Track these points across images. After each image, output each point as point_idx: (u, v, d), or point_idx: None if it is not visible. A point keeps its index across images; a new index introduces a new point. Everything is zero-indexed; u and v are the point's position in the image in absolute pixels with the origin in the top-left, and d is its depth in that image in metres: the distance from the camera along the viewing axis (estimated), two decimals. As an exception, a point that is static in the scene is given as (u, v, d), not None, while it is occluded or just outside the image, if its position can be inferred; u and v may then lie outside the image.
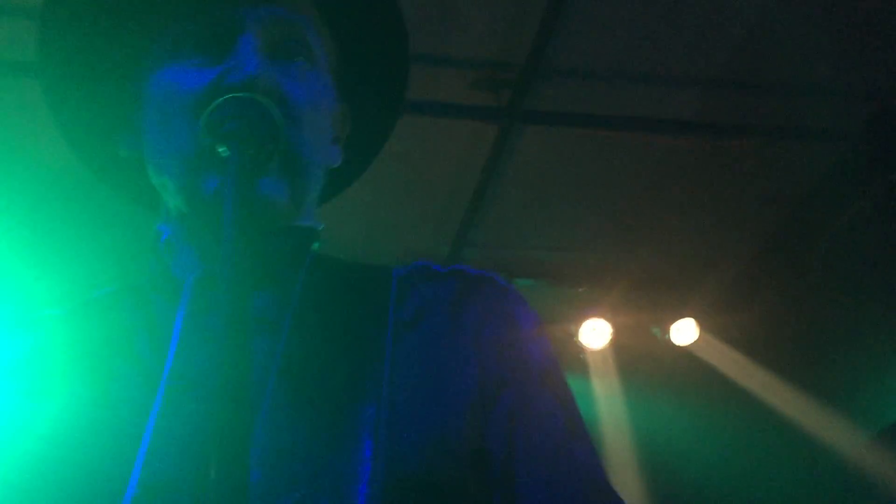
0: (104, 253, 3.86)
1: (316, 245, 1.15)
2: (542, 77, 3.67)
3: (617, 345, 5.02)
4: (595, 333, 5.02)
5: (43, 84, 1.17)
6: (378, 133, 1.31)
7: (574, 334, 5.04)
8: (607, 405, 5.04)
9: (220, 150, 0.94)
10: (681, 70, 3.89)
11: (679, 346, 5.05)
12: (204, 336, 0.99)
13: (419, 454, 0.94)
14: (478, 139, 3.97)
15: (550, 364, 1.11)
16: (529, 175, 4.28)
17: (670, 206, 4.49)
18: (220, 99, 0.97)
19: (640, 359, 5.09)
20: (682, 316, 4.99)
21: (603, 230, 4.69)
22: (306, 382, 0.97)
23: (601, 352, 5.01)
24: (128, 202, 1.30)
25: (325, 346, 1.02)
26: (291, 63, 1.09)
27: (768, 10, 3.57)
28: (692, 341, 5.03)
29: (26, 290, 3.92)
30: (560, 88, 3.86)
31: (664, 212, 4.47)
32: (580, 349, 5.06)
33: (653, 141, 4.15)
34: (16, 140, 3.71)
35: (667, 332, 5.02)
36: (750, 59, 3.80)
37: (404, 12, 1.22)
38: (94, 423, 0.96)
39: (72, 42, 1.15)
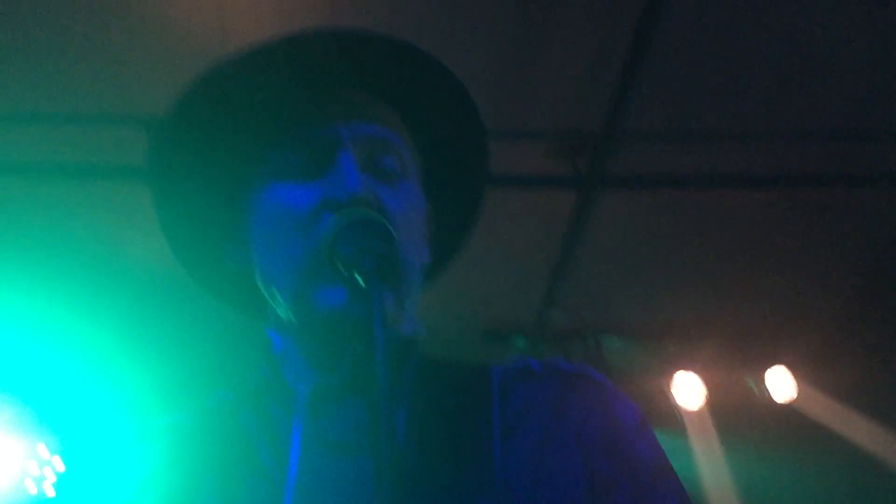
0: (209, 354, 3.99)
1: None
2: (619, 141, 3.70)
3: (710, 398, 4.94)
4: (687, 388, 4.96)
5: (153, 197, 1.22)
6: (462, 229, 1.36)
7: (665, 389, 4.98)
8: (705, 461, 4.94)
9: (339, 266, 1.00)
10: (759, 125, 3.88)
11: (775, 399, 4.93)
12: (324, 448, 1.04)
13: None
14: (559, 206, 4.02)
15: (659, 459, 1.11)
16: (612, 237, 4.31)
17: (759, 259, 4.44)
18: (344, 219, 1.03)
19: (735, 412, 4.98)
20: (777, 368, 4.88)
21: (690, 286, 4.66)
22: (422, 488, 1.00)
23: (694, 406, 4.93)
24: (233, 310, 1.36)
25: (436, 451, 1.04)
26: (386, 176, 1.15)
27: (849, 59, 3.56)
28: (789, 393, 4.91)
29: (137, 394, 4.05)
30: (637, 151, 3.89)
31: (753, 264, 4.43)
32: (672, 404, 4.99)
33: (736, 196, 4.12)
34: (120, 243, 3.92)
35: (762, 384, 4.92)
36: (834, 107, 3.78)
37: (480, 97, 1.26)
38: None
39: (183, 157, 1.21)
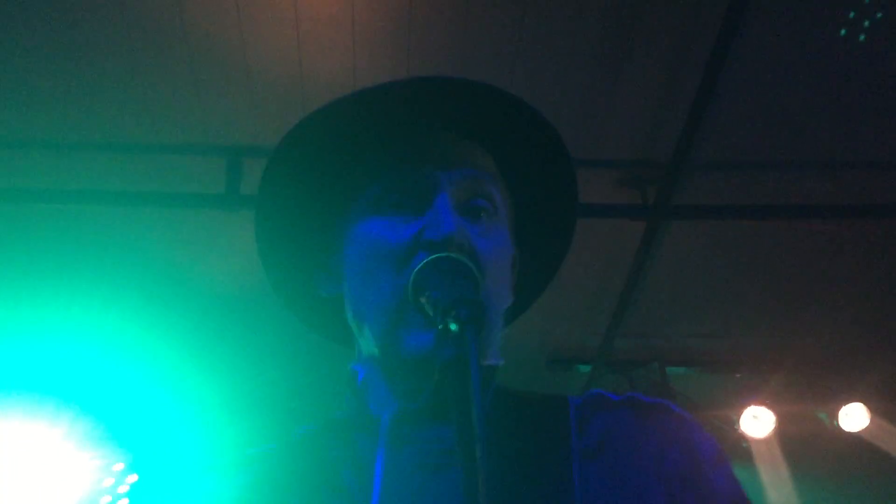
0: (284, 378, 4.08)
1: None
2: (688, 171, 3.71)
3: (781, 432, 4.85)
4: (757, 421, 4.88)
5: (256, 221, 1.28)
6: (546, 275, 1.39)
7: (734, 422, 4.91)
8: (777, 495, 4.85)
9: (428, 309, 1.02)
10: (826, 156, 3.85)
11: (849, 432, 4.82)
12: (407, 469, 1.08)
13: None
14: (627, 235, 4.04)
15: (737, 493, 1.12)
16: (679, 266, 4.30)
17: (830, 290, 4.37)
18: (432, 257, 1.06)
19: (807, 446, 4.89)
20: (851, 401, 4.78)
21: (758, 317, 4.60)
22: None
23: (765, 440, 4.85)
24: (321, 336, 1.39)
25: (515, 478, 1.06)
26: (479, 218, 1.17)
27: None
28: (863, 427, 4.80)
29: (223, 428, 4.15)
30: (706, 182, 3.89)
31: (824, 295, 4.36)
32: (741, 437, 4.92)
33: (806, 227, 4.08)
34: (199, 268, 4.05)
35: (835, 417, 4.82)
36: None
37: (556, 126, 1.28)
38: None
39: (287, 191, 1.27)
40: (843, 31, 3.31)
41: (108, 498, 4.75)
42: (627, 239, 4.07)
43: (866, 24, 3.30)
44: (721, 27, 3.11)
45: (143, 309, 4.22)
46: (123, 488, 4.73)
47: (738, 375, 4.96)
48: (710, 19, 3.17)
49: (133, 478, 4.75)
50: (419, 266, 1.07)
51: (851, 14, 3.28)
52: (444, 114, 1.23)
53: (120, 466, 4.77)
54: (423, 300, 1.04)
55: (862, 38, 3.33)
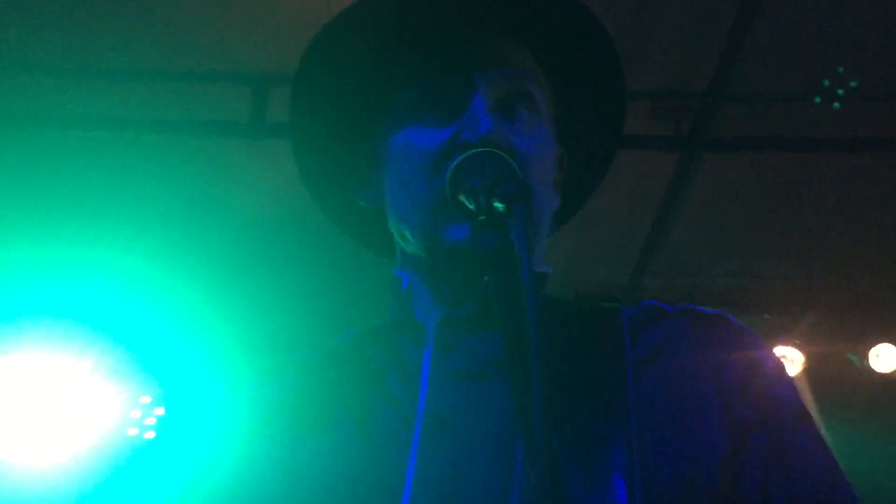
0: (337, 295, 4.08)
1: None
2: (724, 103, 3.63)
3: (811, 373, 4.81)
4: (785, 362, 4.84)
5: (292, 141, 1.28)
6: (594, 174, 1.35)
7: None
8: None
9: (466, 201, 1.00)
10: (871, 86, 3.73)
11: (880, 373, 4.77)
12: (453, 376, 1.06)
13: (674, 499, 0.96)
14: (658, 169, 3.96)
15: (799, 405, 1.10)
16: (711, 202, 4.22)
17: (864, 228, 4.28)
18: (469, 153, 1.04)
19: (837, 387, 4.84)
20: (882, 341, 4.72)
21: (790, 255, 4.53)
22: (557, 418, 0.99)
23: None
24: (363, 247, 1.39)
25: (566, 387, 1.04)
26: (518, 117, 1.15)
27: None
28: (893, 367, 4.75)
29: (270, 334, 4.17)
30: (742, 113, 3.80)
31: (858, 234, 4.27)
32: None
33: (844, 160, 3.98)
34: (224, 194, 4.02)
35: (865, 358, 4.76)
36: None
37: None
38: (355, 459, 1.02)
39: (319, 105, 1.25)
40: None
41: (136, 430, 4.80)
42: (659, 173, 3.99)
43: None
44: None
45: (169, 239, 4.21)
46: (150, 420, 4.79)
47: (766, 316, 4.90)
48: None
49: (160, 410, 4.80)
50: (456, 162, 1.04)
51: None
52: (483, 9, 1.19)
53: (147, 399, 4.82)
54: (461, 196, 1.02)
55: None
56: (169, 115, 3.69)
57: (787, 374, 1.14)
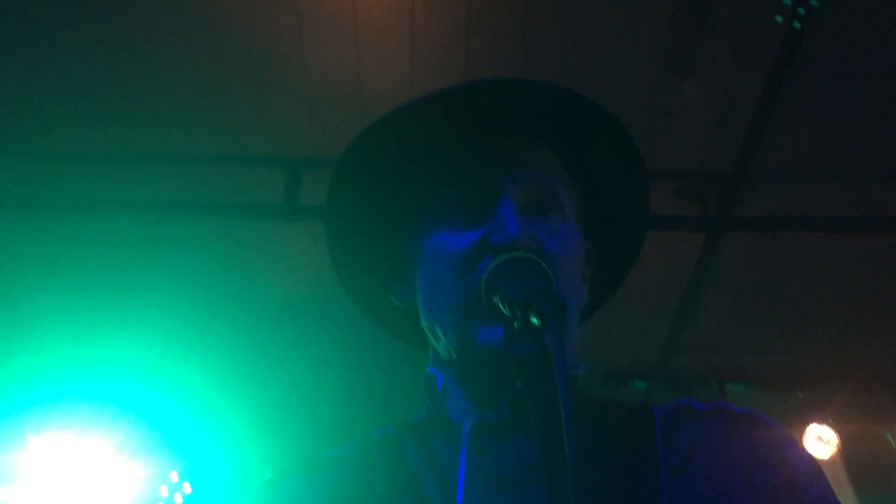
0: (371, 384, 4.08)
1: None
2: (748, 183, 3.65)
3: (845, 453, 4.71)
4: (819, 441, 4.75)
5: (326, 233, 1.31)
6: (623, 265, 1.38)
7: (797, 439, 4.79)
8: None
9: (501, 306, 1.01)
10: (890, 166, 3.75)
11: (915, 453, 4.67)
12: (487, 481, 1.06)
13: None
14: (685, 247, 3.97)
15: None
16: (740, 279, 4.21)
17: (893, 304, 4.25)
18: (506, 257, 1.06)
19: (872, 467, 4.73)
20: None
21: (821, 332, 4.49)
22: None
23: (829, 461, 4.71)
24: (396, 339, 1.42)
25: (601, 494, 1.03)
26: (546, 218, 1.18)
27: None
28: (930, 447, 4.65)
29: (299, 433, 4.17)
30: (766, 193, 3.81)
31: (889, 311, 4.24)
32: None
33: (868, 239, 3.97)
34: (257, 276, 4.08)
35: (901, 437, 4.67)
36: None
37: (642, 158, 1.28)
38: None
39: (354, 200, 1.29)
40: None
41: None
42: (686, 252, 4.00)
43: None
44: (786, 33, 3.05)
45: (201, 319, 4.26)
46: (178, 497, 4.78)
47: (799, 394, 4.84)
48: (774, 24, 3.12)
49: (187, 486, 4.80)
50: (491, 267, 1.07)
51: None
52: (507, 116, 1.24)
53: (175, 476, 4.82)
54: (496, 299, 1.04)
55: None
56: (205, 198, 3.78)
57: (822, 474, 1.13)
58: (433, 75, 3.31)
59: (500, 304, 1.03)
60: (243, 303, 4.24)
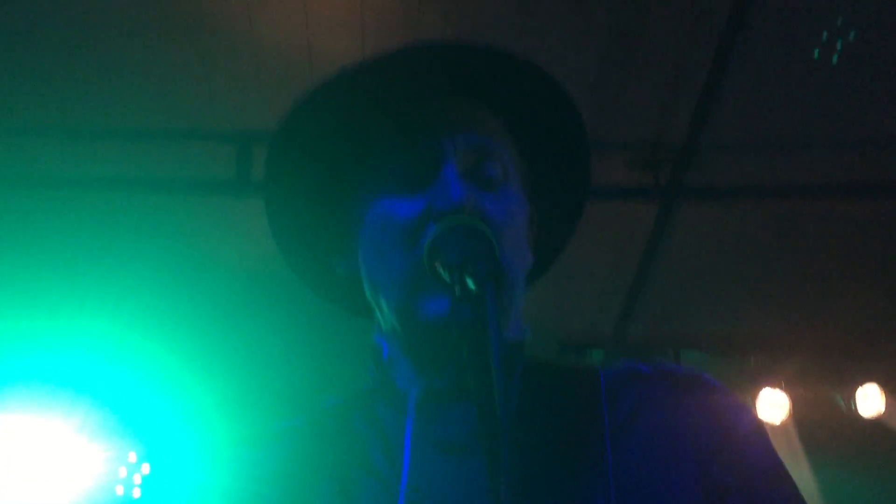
0: (321, 354, 4.08)
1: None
2: (701, 153, 3.68)
3: (797, 416, 4.82)
4: (771, 405, 4.85)
5: (267, 208, 1.28)
6: (567, 228, 1.37)
7: (749, 404, 4.89)
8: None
9: (442, 272, 1.02)
10: (844, 133, 3.81)
11: (865, 416, 4.79)
12: (434, 449, 1.07)
13: None
14: (639, 218, 4.01)
15: (775, 466, 1.10)
16: (693, 249, 4.26)
17: (845, 272, 4.34)
18: (446, 224, 1.05)
19: (822, 430, 4.85)
20: (867, 383, 4.75)
21: (775, 299, 4.57)
22: (535, 489, 1.01)
23: (781, 425, 4.82)
24: (343, 312, 1.39)
25: (546, 452, 1.05)
26: (489, 183, 1.17)
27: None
28: (879, 410, 4.77)
29: (250, 402, 4.16)
30: (719, 162, 3.85)
31: (839, 277, 4.33)
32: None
33: (821, 206, 4.04)
34: (208, 252, 4.05)
35: (851, 401, 4.78)
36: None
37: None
38: None
39: (293, 168, 1.26)
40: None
41: (122, 488, 4.77)
42: (640, 222, 4.04)
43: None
44: (734, 1, 3.07)
45: (155, 297, 4.22)
46: (137, 477, 4.75)
47: (752, 360, 4.93)
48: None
49: (146, 467, 4.77)
50: (434, 233, 1.06)
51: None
52: (448, 80, 1.22)
53: (133, 456, 4.79)
54: (437, 265, 1.04)
55: None
56: (156, 174, 3.73)
57: (765, 435, 1.14)
58: (384, 48, 3.28)
59: (440, 270, 1.03)
60: (199, 280, 4.20)
